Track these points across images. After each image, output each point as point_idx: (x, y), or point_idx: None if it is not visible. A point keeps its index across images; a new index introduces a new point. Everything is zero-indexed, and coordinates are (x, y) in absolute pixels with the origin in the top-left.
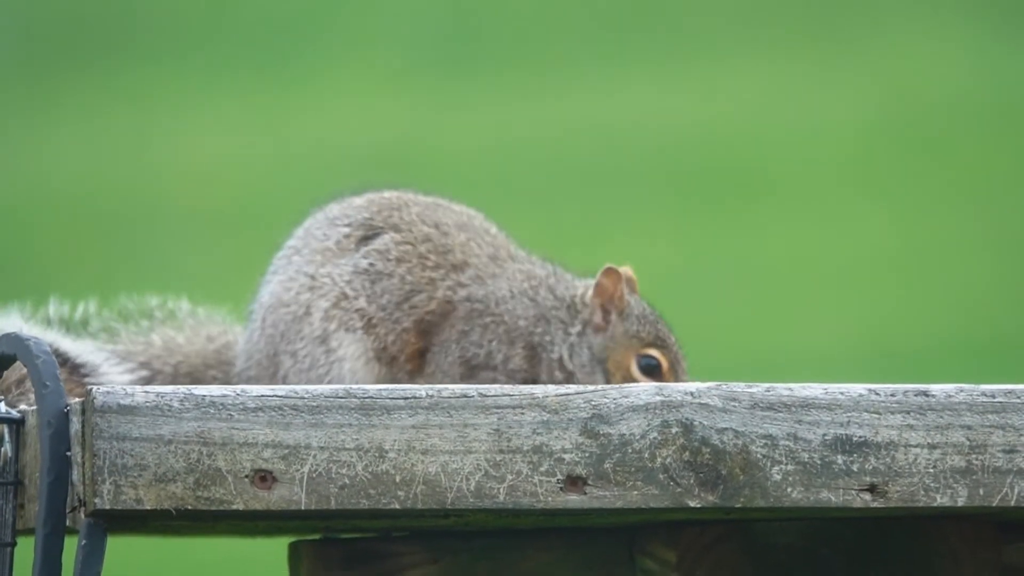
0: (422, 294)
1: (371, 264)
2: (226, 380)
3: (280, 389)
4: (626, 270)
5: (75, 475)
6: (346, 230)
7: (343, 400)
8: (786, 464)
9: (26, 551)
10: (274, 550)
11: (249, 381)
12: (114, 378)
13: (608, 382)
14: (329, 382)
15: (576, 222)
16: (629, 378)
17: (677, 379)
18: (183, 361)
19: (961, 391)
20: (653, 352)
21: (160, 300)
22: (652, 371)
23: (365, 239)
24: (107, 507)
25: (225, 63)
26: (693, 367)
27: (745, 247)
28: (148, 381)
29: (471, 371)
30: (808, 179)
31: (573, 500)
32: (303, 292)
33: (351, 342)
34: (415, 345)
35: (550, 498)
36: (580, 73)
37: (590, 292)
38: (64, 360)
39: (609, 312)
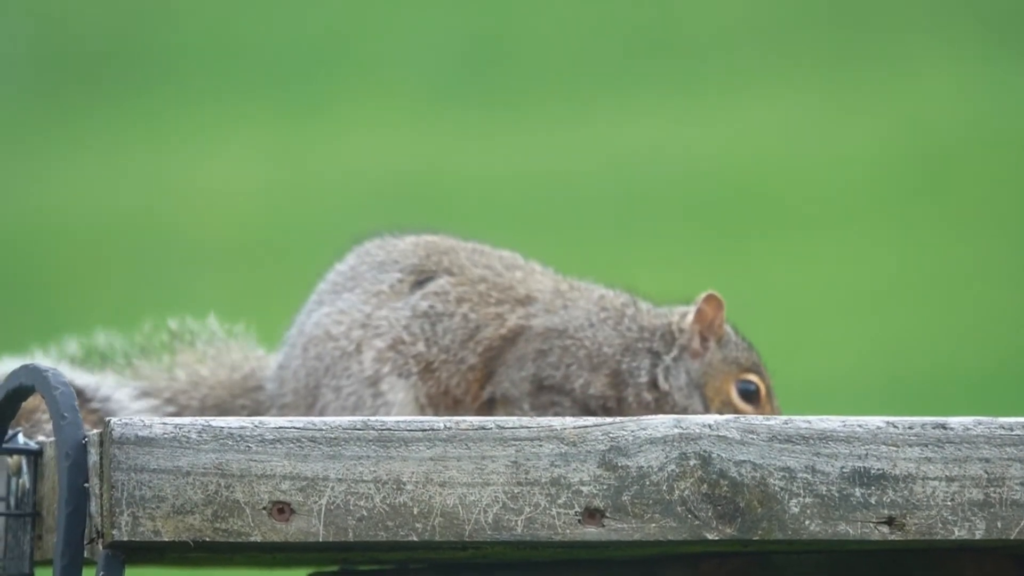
0: (489, 328)
1: (431, 306)
2: (255, 409)
3: (298, 421)
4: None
5: (93, 506)
6: (398, 275)
7: (361, 432)
8: (804, 497)
9: None
10: None
11: (283, 408)
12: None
13: (707, 408)
14: None
15: (596, 251)
16: (729, 403)
17: (772, 406)
18: (209, 394)
19: (979, 424)
20: (752, 378)
21: (180, 323)
22: (751, 397)
23: (419, 283)
24: (125, 539)
25: (244, 92)
26: None
27: (763, 276)
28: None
29: (540, 391)
30: (825, 208)
31: (591, 532)
32: (355, 329)
33: (402, 388)
34: (478, 384)
35: (568, 530)
36: (600, 103)
37: (690, 318)
38: (87, 398)
39: (707, 339)
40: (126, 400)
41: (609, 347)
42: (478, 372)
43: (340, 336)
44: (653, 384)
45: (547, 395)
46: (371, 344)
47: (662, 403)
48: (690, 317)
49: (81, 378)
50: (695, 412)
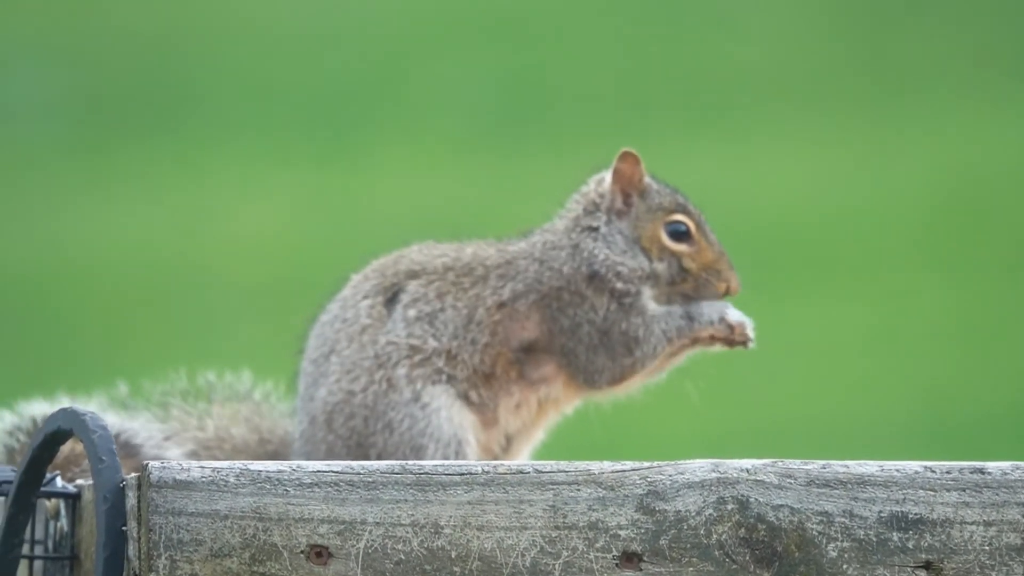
0: (479, 310)
1: (418, 311)
2: None
3: (336, 464)
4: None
5: (131, 550)
6: (367, 302)
7: (399, 476)
8: (842, 541)
9: None
10: None
11: None
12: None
13: (649, 260)
14: (430, 435)
15: None
16: (664, 248)
17: (706, 238)
18: (232, 455)
19: (1017, 468)
20: (678, 217)
21: (216, 376)
22: (681, 236)
23: (390, 301)
24: None
25: (279, 135)
26: (752, 435)
27: (806, 321)
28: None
29: (603, 335)
30: (869, 252)
31: None
32: (375, 371)
33: (440, 392)
34: (506, 355)
35: (606, 575)
36: (638, 145)
37: (608, 179)
38: (122, 441)
39: (630, 195)
40: (153, 443)
41: (566, 265)
42: (494, 348)
43: (365, 387)
44: (609, 263)
45: (612, 330)
46: (396, 374)
47: (629, 280)
48: (607, 179)
49: (111, 418)
50: (641, 268)
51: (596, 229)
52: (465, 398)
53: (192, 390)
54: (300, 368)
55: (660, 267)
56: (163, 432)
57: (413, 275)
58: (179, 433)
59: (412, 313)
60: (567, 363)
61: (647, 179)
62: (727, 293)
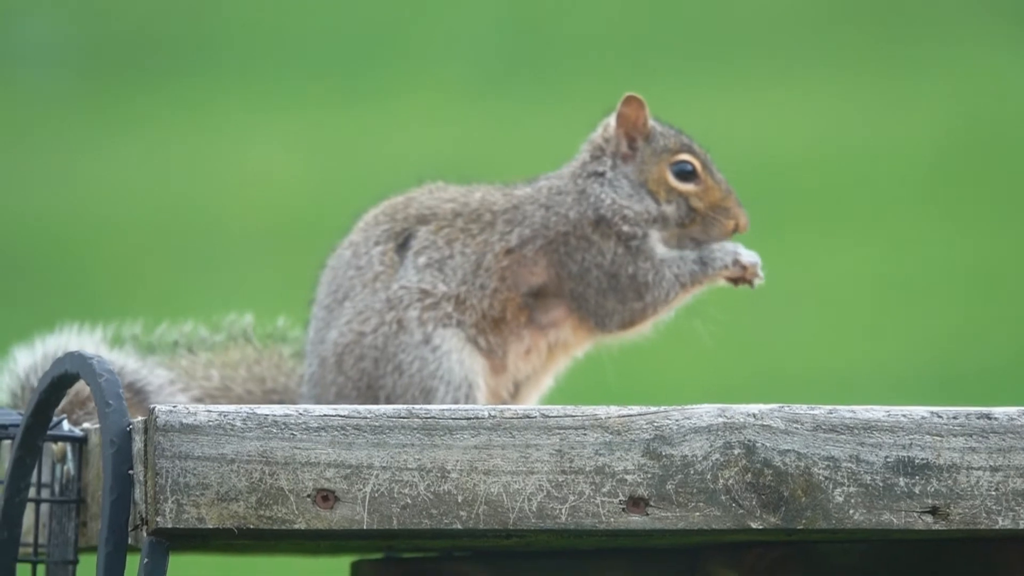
0: (487, 256)
1: (428, 258)
2: None
3: (343, 408)
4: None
5: (137, 494)
6: (379, 248)
7: (405, 420)
8: (848, 486)
9: (88, 569)
10: (336, 569)
11: None
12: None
13: (657, 202)
14: (441, 377)
15: None
16: (671, 190)
17: (713, 177)
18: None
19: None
20: (684, 157)
21: (220, 321)
22: (688, 176)
23: (401, 246)
24: (169, 526)
25: (288, 80)
26: (760, 383)
27: (813, 266)
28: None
29: (612, 279)
30: (870, 198)
31: (635, 521)
32: (386, 314)
33: (451, 335)
34: (515, 300)
35: (612, 519)
36: (644, 91)
37: (612, 123)
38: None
39: (635, 139)
40: (158, 386)
41: (571, 210)
42: (503, 293)
43: (376, 328)
44: (616, 206)
45: (621, 273)
46: (407, 316)
47: (636, 223)
48: (612, 124)
49: (115, 358)
50: (647, 211)
51: (602, 174)
52: (475, 343)
53: (198, 338)
54: (312, 314)
55: (668, 209)
56: (170, 379)
57: (423, 220)
58: (186, 380)
59: (422, 260)
60: (577, 307)
61: (651, 122)
62: (736, 231)
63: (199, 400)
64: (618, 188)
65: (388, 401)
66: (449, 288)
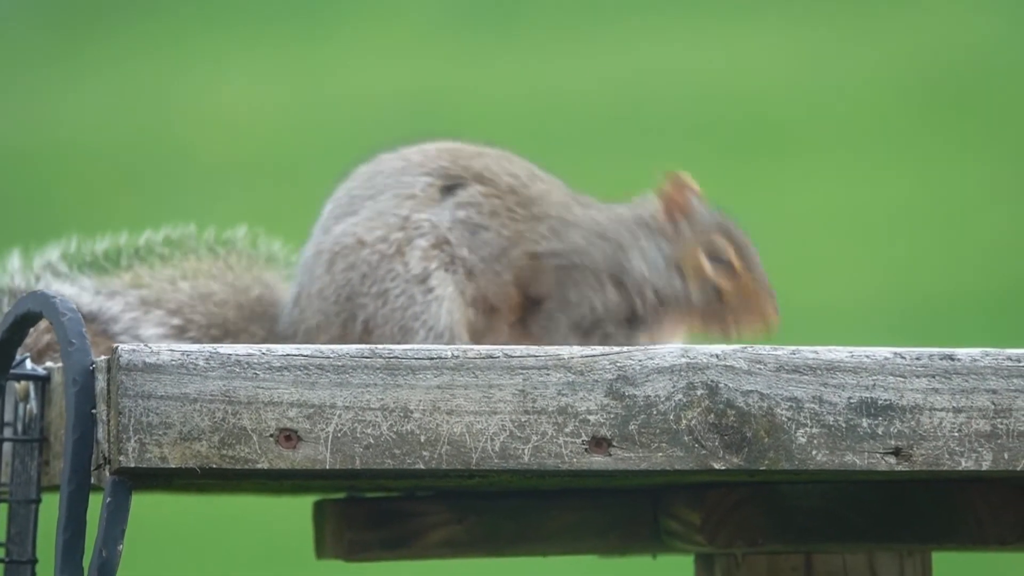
0: (517, 248)
1: (468, 216)
2: (266, 339)
3: (306, 348)
4: (687, 178)
5: (100, 433)
6: (426, 179)
7: (368, 360)
8: (811, 427)
9: (51, 508)
10: (299, 508)
11: (310, 332)
12: (145, 330)
13: (686, 285)
14: (424, 321)
15: (603, 173)
16: (702, 273)
17: (749, 266)
18: (217, 312)
19: (987, 355)
20: (718, 239)
21: (178, 232)
22: (722, 263)
23: (448, 188)
24: (132, 465)
25: (254, 13)
26: None
27: (771, 202)
28: (182, 331)
29: (587, 334)
30: (834, 133)
31: (598, 461)
32: (393, 232)
33: (451, 282)
34: (516, 299)
35: (575, 459)
36: (607, 24)
37: (657, 202)
38: (89, 316)
39: (676, 217)
40: (121, 310)
41: (603, 257)
42: (512, 288)
43: (376, 241)
44: (646, 278)
45: (595, 333)
46: (414, 244)
47: (662, 301)
48: (658, 202)
49: (66, 286)
50: (677, 293)
51: (642, 247)
52: (466, 302)
53: (159, 250)
54: (332, 196)
55: (695, 293)
56: (136, 296)
57: (480, 179)
58: (158, 298)
59: (461, 214)
60: (547, 325)
61: (695, 202)
62: (763, 330)
63: (176, 312)
64: (653, 265)
65: (365, 324)
66: (469, 257)
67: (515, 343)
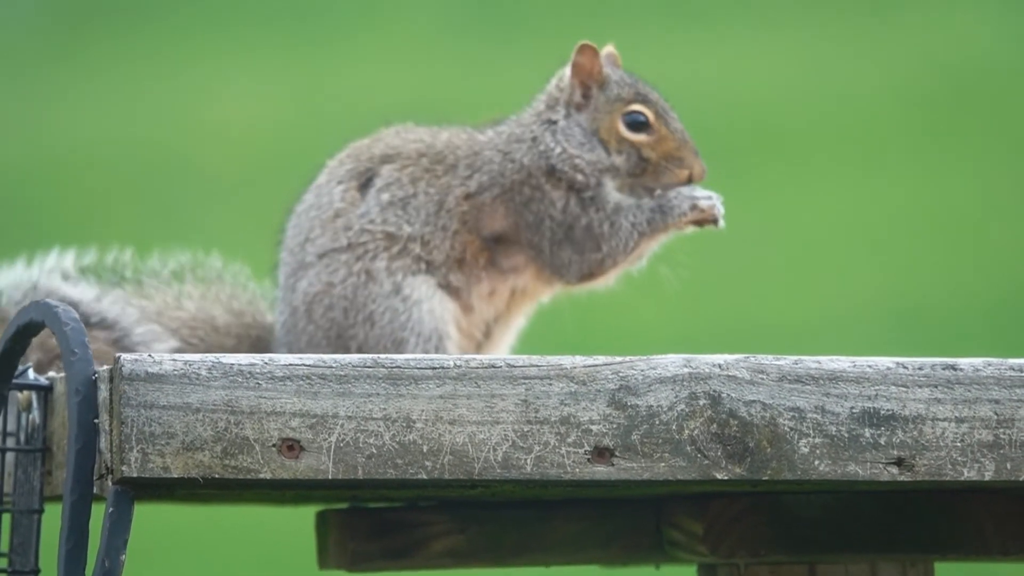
0: (449, 197)
1: (392, 195)
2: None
3: (308, 358)
4: (608, 48)
5: (103, 443)
6: (340, 187)
7: (371, 369)
8: (813, 437)
9: (53, 518)
10: (301, 519)
11: None
12: (145, 339)
13: (608, 152)
14: (411, 328)
15: None
16: (622, 140)
17: (668, 127)
18: (213, 336)
19: (989, 365)
20: (636, 107)
21: (190, 256)
22: (639, 126)
23: (363, 184)
24: (135, 475)
25: (253, 23)
26: (726, 330)
27: (772, 209)
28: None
29: (573, 242)
30: (835, 141)
31: (600, 471)
32: (353, 264)
33: (420, 283)
34: (474, 242)
35: (577, 469)
36: (606, 31)
37: (567, 73)
38: (91, 320)
39: (589, 88)
40: (129, 322)
41: (526, 156)
42: (463, 236)
43: (344, 278)
44: (567, 156)
45: (576, 226)
46: (375, 266)
47: (585, 173)
48: (567, 73)
49: (80, 290)
50: (599, 161)
51: (555, 123)
52: (446, 286)
53: (168, 270)
54: (280, 259)
55: (619, 159)
56: (142, 312)
57: (387, 159)
58: (160, 313)
59: (385, 197)
60: (534, 256)
61: (607, 70)
62: (690, 180)
63: (176, 331)
64: (570, 137)
65: (360, 351)
66: (413, 229)
67: (495, 286)
